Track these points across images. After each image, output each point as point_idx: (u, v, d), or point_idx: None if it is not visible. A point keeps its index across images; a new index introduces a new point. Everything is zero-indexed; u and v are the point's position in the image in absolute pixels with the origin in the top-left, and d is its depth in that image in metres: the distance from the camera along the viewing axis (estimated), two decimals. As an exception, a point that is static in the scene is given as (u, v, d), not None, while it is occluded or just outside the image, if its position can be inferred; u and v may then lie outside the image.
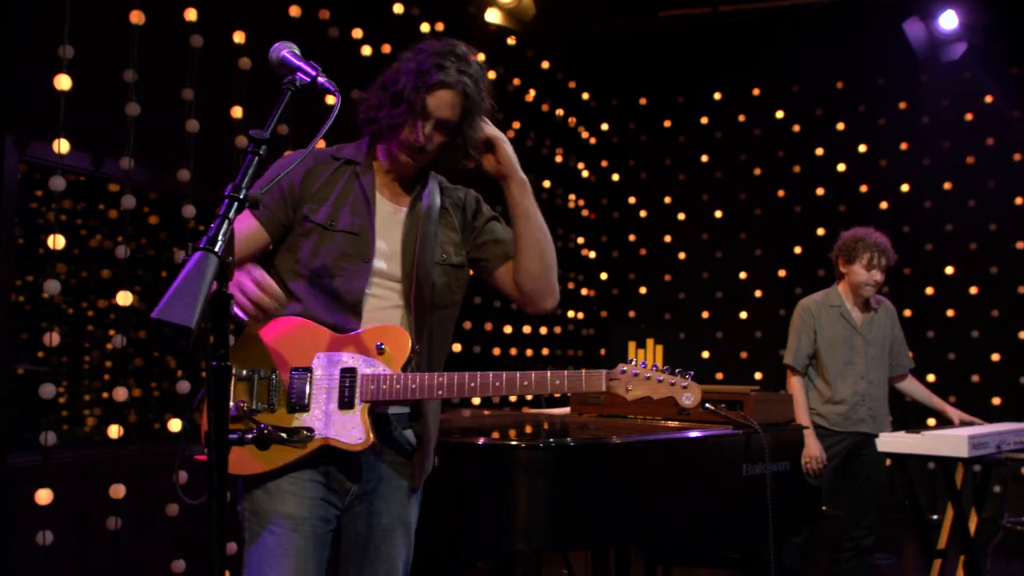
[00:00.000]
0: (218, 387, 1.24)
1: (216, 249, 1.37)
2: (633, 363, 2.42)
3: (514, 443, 3.28)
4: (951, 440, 4.01)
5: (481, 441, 3.32)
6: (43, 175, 4.24)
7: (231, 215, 1.45)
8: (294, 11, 4.96)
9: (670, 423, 3.95)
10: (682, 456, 3.61)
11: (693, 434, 3.62)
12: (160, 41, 4.23)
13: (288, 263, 2.45)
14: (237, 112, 4.65)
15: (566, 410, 4.62)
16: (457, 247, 2.62)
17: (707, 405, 3.85)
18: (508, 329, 7.46)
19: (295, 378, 2.37)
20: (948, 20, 6.29)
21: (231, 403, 2.17)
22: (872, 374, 4.83)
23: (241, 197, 1.50)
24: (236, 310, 2.14)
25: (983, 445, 4.10)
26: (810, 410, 4.80)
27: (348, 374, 2.38)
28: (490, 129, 2.53)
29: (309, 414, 2.35)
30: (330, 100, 2.07)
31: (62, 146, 3.67)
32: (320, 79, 2.04)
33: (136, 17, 3.99)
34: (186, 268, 1.31)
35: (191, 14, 4.37)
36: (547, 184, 8.28)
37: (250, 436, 2.02)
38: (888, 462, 5.21)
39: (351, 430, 2.34)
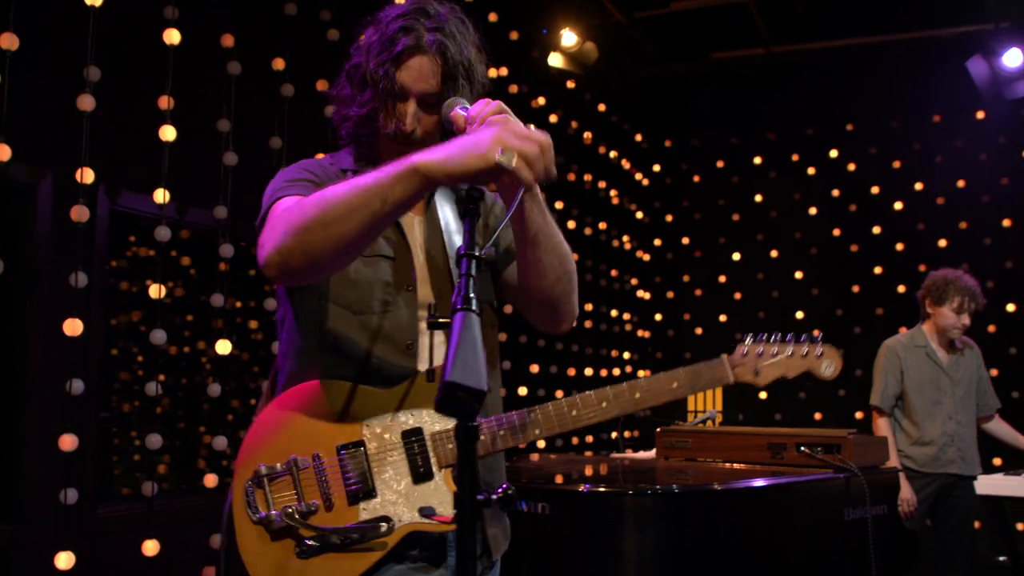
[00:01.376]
0: (466, 447, 1.23)
1: (474, 308, 1.32)
2: (752, 340, 2.18)
3: (619, 490, 3.26)
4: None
5: (584, 488, 3.30)
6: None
7: (473, 272, 1.40)
8: (332, 34, 4.89)
9: (762, 467, 3.91)
10: (785, 501, 3.57)
11: (795, 479, 3.58)
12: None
13: (311, 299, 1.98)
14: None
15: (651, 454, 4.58)
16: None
17: (803, 448, 3.82)
18: (572, 372, 7.45)
19: (346, 458, 1.88)
20: (1012, 58, 6.27)
21: (273, 511, 1.84)
22: (960, 414, 4.79)
23: (477, 254, 1.43)
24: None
25: (1087, 487, 4.03)
26: (898, 452, 4.76)
27: (413, 437, 1.92)
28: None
29: (379, 500, 1.88)
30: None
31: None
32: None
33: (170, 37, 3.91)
34: (456, 329, 1.27)
35: (227, 40, 4.25)
36: (603, 226, 8.31)
37: (315, 545, 1.80)
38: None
39: (438, 505, 1.88)
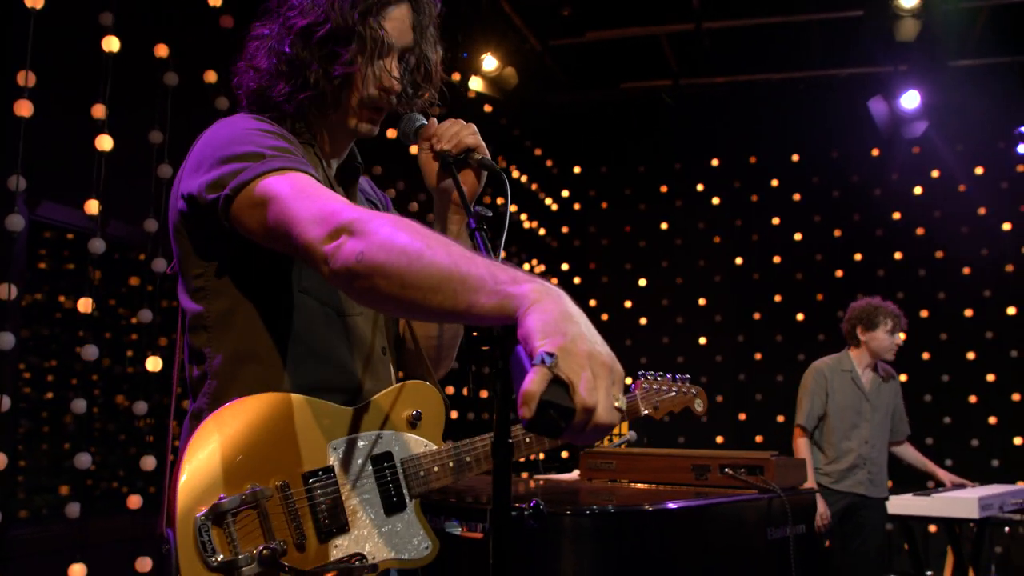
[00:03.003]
0: (501, 460, 1.23)
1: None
2: (647, 377, 2.35)
3: (558, 511, 3.28)
4: (961, 502, 4.15)
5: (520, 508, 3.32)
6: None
7: None
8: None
9: (687, 488, 3.99)
10: (713, 521, 3.65)
11: (724, 500, 3.67)
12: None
13: (284, 292, 1.72)
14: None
15: (574, 475, 4.63)
16: None
17: (727, 470, 3.91)
18: (484, 394, 7.47)
19: (315, 487, 1.65)
20: (910, 100, 6.61)
21: (241, 554, 1.54)
22: (875, 439, 5.00)
23: None
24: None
25: (989, 507, 4.25)
26: (815, 469, 4.94)
27: (385, 463, 1.76)
28: (475, 139, 1.88)
29: (351, 534, 1.68)
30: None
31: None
32: (476, 156, 1.83)
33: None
34: (523, 352, 1.21)
35: (161, 50, 4.13)
36: (514, 248, 8.38)
37: None
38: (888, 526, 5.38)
39: (411, 539, 1.75)
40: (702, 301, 8.85)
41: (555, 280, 9.26)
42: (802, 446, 5.00)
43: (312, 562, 1.62)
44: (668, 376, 2.41)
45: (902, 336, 5.15)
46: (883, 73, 7.04)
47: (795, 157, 8.65)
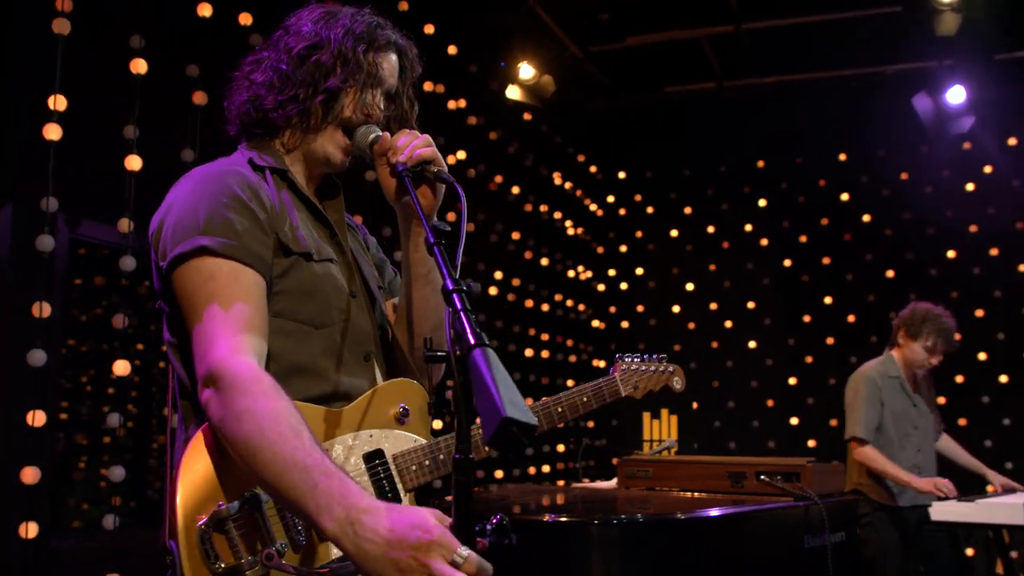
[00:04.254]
0: (462, 479, 1.24)
1: (487, 341, 1.31)
2: (624, 359, 2.39)
3: (584, 520, 3.28)
4: (1007, 508, 4.04)
5: (549, 519, 3.31)
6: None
7: (469, 306, 1.39)
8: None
9: (723, 496, 3.95)
10: (747, 530, 3.61)
11: (758, 507, 3.63)
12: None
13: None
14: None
15: (613, 484, 4.61)
16: (373, 269, 2.12)
17: (763, 477, 3.87)
18: (528, 402, 7.46)
19: None
20: (956, 95, 6.47)
21: (245, 558, 1.60)
22: (926, 444, 4.84)
23: (465, 288, 1.43)
24: None
25: (1037, 512, 4.13)
26: (871, 485, 4.77)
27: (377, 460, 1.83)
28: (431, 151, 1.93)
29: None
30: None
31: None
32: (432, 167, 1.85)
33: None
34: (485, 366, 1.25)
35: (192, 69, 4.23)
36: (559, 256, 8.38)
37: None
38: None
39: None
40: (751, 304, 8.74)
41: (602, 287, 9.25)
42: (869, 452, 4.75)
43: (312, 561, 1.67)
44: (644, 356, 2.44)
45: (935, 361, 4.91)
46: (929, 68, 6.90)
47: (842, 156, 8.51)
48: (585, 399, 2.17)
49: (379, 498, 1.68)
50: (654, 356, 2.46)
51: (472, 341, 1.32)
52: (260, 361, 1.66)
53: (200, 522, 1.60)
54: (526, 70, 6.66)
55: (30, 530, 3.26)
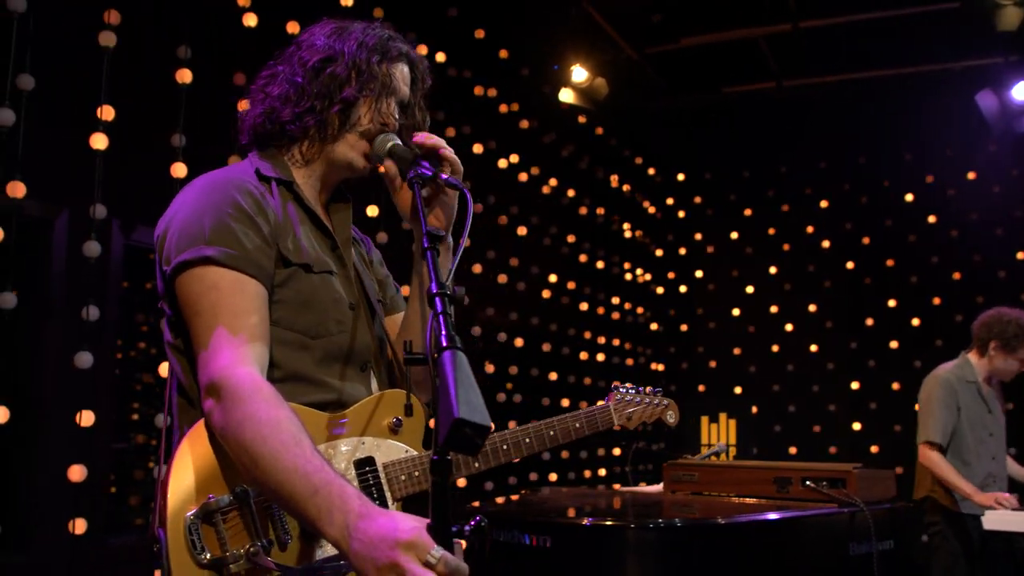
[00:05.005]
0: (439, 480, 1.25)
1: (459, 346, 1.34)
2: (619, 390, 2.42)
3: (622, 523, 3.26)
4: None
5: (587, 522, 3.30)
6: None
7: (449, 310, 1.42)
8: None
9: (768, 501, 3.90)
10: (790, 536, 3.56)
11: (800, 513, 3.57)
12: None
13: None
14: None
15: (659, 488, 4.58)
16: (374, 282, 2.15)
17: (808, 483, 3.80)
18: (583, 406, 7.46)
19: None
20: (1021, 91, 6.29)
21: (230, 551, 1.64)
22: (999, 452, 4.70)
23: (449, 293, 1.45)
24: None
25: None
26: (942, 492, 4.64)
27: (367, 467, 1.85)
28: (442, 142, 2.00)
29: None
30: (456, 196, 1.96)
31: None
32: (443, 175, 1.86)
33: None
34: (450, 369, 1.28)
35: (239, 78, 4.21)
36: (615, 259, 8.35)
37: None
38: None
39: None
40: (812, 307, 8.61)
41: (661, 289, 9.19)
42: (936, 459, 4.61)
43: (297, 560, 1.69)
44: (640, 388, 2.50)
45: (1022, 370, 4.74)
46: (993, 65, 6.71)
47: (907, 156, 8.33)
48: (577, 425, 2.22)
49: None
50: (651, 389, 2.52)
51: (443, 343, 1.34)
52: (262, 371, 1.70)
53: (189, 513, 1.64)
54: (579, 73, 6.65)
55: (78, 526, 3.36)
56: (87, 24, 3.63)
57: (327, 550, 1.73)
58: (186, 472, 1.67)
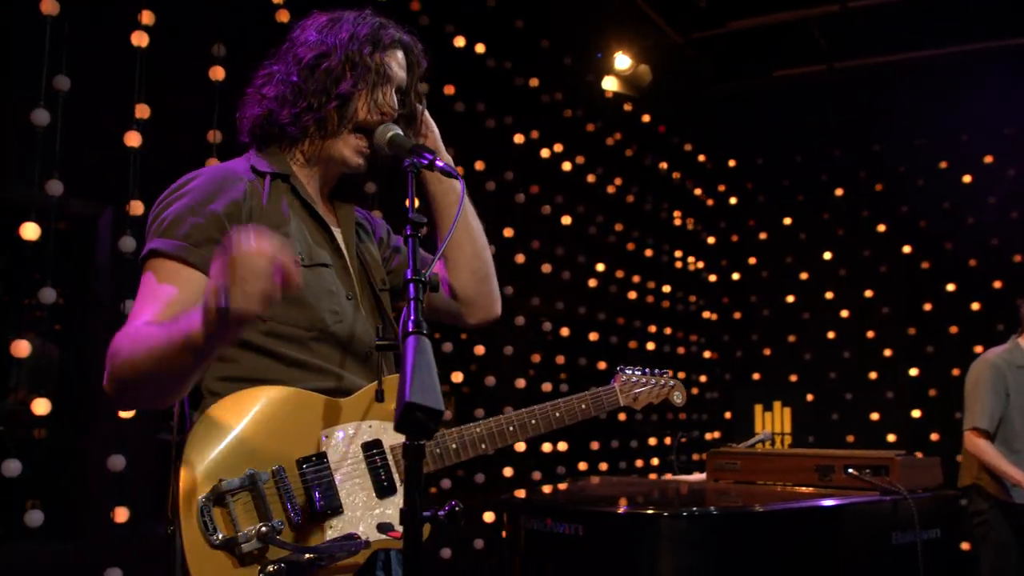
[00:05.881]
0: (413, 466, 1.27)
1: (425, 331, 1.35)
2: (624, 371, 2.45)
3: (656, 511, 3.24)
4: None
5: (623, 510, 3.29)
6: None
7: (421, 296, 1.44)
8: (421, 86, 5.10)
9: (809, 489, 3.85)
10: (829, 524, 3.51)
11: (839, 501, 3.52)
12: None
13: (250, 328, 1.80)
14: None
15: (701, 476, 4.54)
16: (380, 268, 2.17)
17: (850, 471, 3.74)
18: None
19: (309, 472, 1.78)
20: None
21: (240, 532, 1.68)
22: None
23: (423, 280, 1.47)
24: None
25: None
26: (989, 479, 4.54)
27: (375, 450, 1.87)
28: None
29: (344, 516, 1.79)
30: (456, 185, 2.02)
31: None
32: (438, 162, 1.85)
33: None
34: (410, 353, 1.30)
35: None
36: (665, 247, 8.29)
37: (284, 568, 1.65)
38: None
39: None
40: (868, 293, 8.44)
41: (713, 277, 9.10)
42: (984, 446, 4.50)
43: (308, 540, 1.73)
44: (647, 370, 2.51)
45: None
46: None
47: (963, 137, 8.11)
48: (584, 406, 2.25)
49: (375, 486, 1.83)
50: (656, 371, 2.53)
51: (409, 328, 1.36)
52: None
53: (201, 496, 1.68)
54: (622, 60, 6.60)
55: (119, 515, 3.45)
56: (121, 24, 3.70)
57: (338, 530, 1.77)
58: (197, 457, 1.71)
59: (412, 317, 1.38)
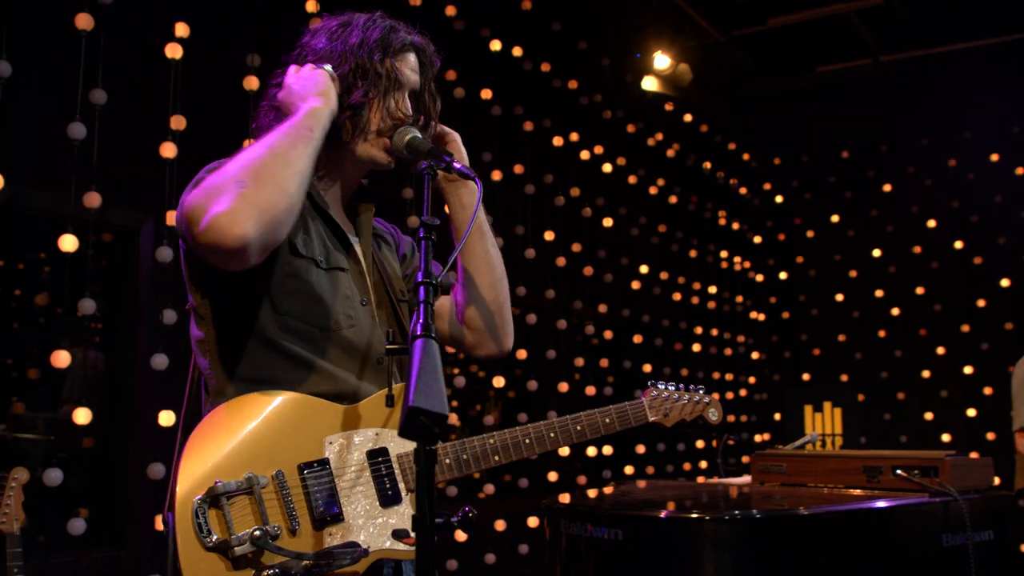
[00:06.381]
0: (425, 471, 1.25)
1: (433, 335, 1.33)
2: (656, 386, 2.35)
3: (698, 515, 3.19)
4: None
5: (663, 514, 3.24)
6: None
7: (432, 300, 1.42)
8: (458, 92, 5.11)
9: (857, 491, 3.77)
10: (877, 527, 3.43)
11: (887, 503, 3.44)
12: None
13: (266, 317, 1.82)
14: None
15: (747, 479, 4.48)
16: (399, 280, 2.14)
17: (899, 472, 3.66)
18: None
19: (309, 477, 1.74)
20: None
21: (234, 535, 1.65)
22: None
23: (435, 282, 1.46)
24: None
25: None
26: None
27: (380, 458, 1.84)
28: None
29: (345, 524, 1.76)
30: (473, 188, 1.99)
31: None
32: (456, 164, 1.84)
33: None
34: (417, 356, 1.28)
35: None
36: (711, 247, 8.20)
37: (278, 574, 1.61)
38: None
39: (406, 531, 1.79)
40: (920, 290, 8.27)
41: (760, 277, 8.99)
42: None
43: (306, 547, 1.70)
44: (679, 385, 2.41)
45: None
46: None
47: (1015, 128, 7.92)
48: (608, 420, 2.17)
49: (379, 495, 1.79)
50: (691, 387, 2.44)
51: (418, 331, 1.34)
52: None
53: (197, 496, 1.66)
54: (661, 60, 6.54)
55: (159, 523, 3.48)
56: (155, 37, 3.74)
57: (338, 538, 1.73)
58: (197, 458, 1.70)
59: (421, 320, 1.36)
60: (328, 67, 1.90)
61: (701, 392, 2.44)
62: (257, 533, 1.65)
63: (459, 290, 2.11)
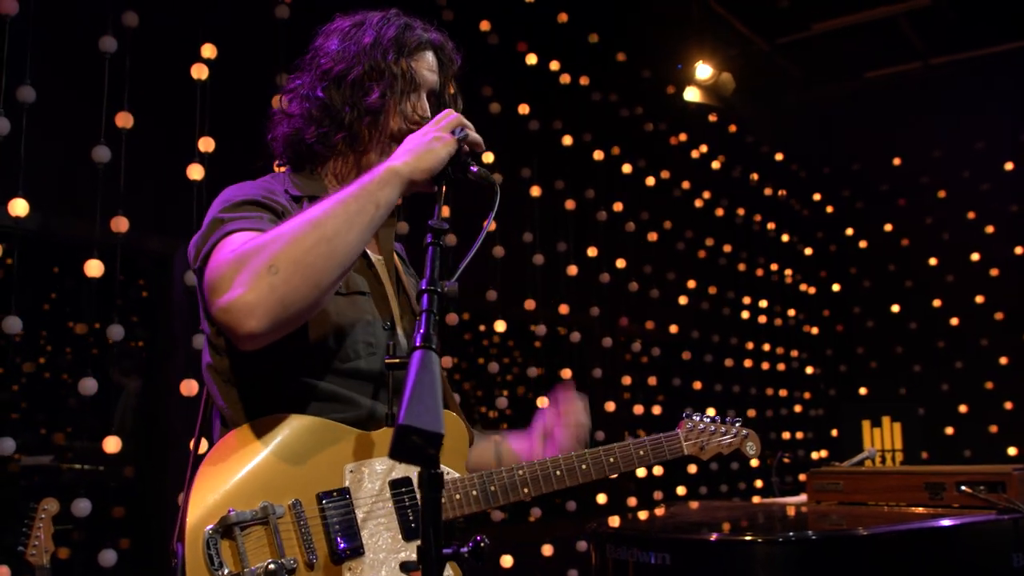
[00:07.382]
0: (431, 495, 1.13)
1: (434, 346, 1.23)
2: (692, 418, 2.26)
3: (750, 538, 3.05)
4: None
5: (714, 537, 3.11)
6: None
7: (435, 309, 1.32)
8: (494, 107, 5.03)
9: (919, 509, 3.60)
10: (941, 547, 3.25)
11: (951, 522, 3.26)
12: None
13: (283, 347, 1.67)
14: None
15: (803, 498, 4.32)
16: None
17: (963, 488, 3.49)
18: (712, 414, 7.18)
19: (328, 508, 1.64)
20: None
21: (247, 568, 1.55)
22: None
23: (440, 290, 1.35)
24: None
25: None
26: None
27: (403, 488, 1.73)
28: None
29: (366, 558, 1.64)
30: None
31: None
32: (473, 168, 1.73)
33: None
34: (413, 369, 1.18)
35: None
36: (760, 260, 8.03)
37: None
38: None
39: None
40: (979, 299, 8.01)
41: (813, 290, 8.79)
42: None
43: None
44: (716, 418, 2.33)
45: None
46: None
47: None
48: (641, 452, 2.10)
49: (402, 527, 1.69)
50: (727, 419, 2.35)
51: (416, 342, 1.24)
52: None
53: (208, 527, 1.55)
54: (703, 70, 6.41)
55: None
56: (181, 58, 3.71)
57: (357, 573, 1.63)
58: (208, 487, 1.59)
59: (422, 331, 1.25)
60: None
61: (738, 425, 2.35)
62: (272, 567, 1.54)
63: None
